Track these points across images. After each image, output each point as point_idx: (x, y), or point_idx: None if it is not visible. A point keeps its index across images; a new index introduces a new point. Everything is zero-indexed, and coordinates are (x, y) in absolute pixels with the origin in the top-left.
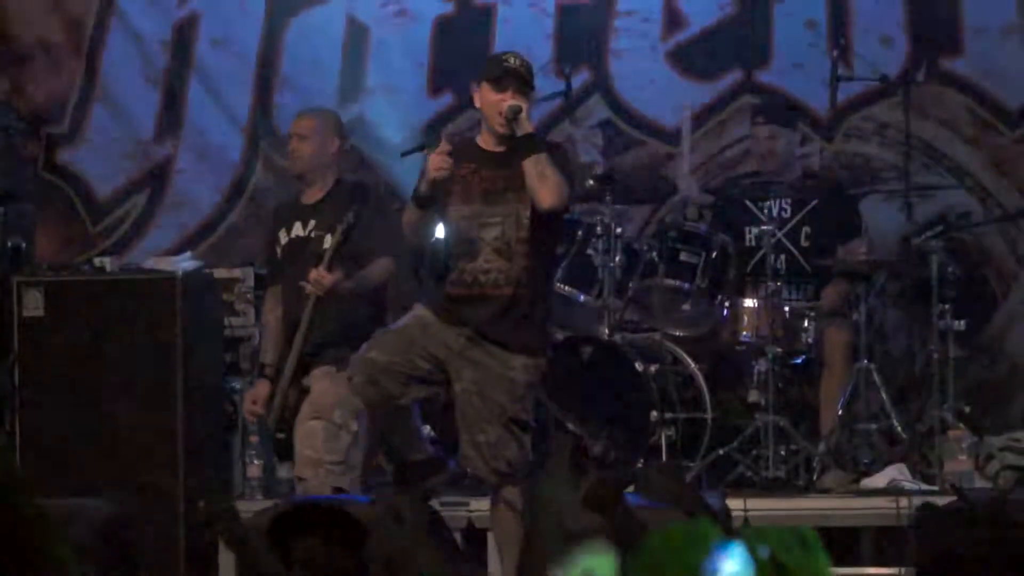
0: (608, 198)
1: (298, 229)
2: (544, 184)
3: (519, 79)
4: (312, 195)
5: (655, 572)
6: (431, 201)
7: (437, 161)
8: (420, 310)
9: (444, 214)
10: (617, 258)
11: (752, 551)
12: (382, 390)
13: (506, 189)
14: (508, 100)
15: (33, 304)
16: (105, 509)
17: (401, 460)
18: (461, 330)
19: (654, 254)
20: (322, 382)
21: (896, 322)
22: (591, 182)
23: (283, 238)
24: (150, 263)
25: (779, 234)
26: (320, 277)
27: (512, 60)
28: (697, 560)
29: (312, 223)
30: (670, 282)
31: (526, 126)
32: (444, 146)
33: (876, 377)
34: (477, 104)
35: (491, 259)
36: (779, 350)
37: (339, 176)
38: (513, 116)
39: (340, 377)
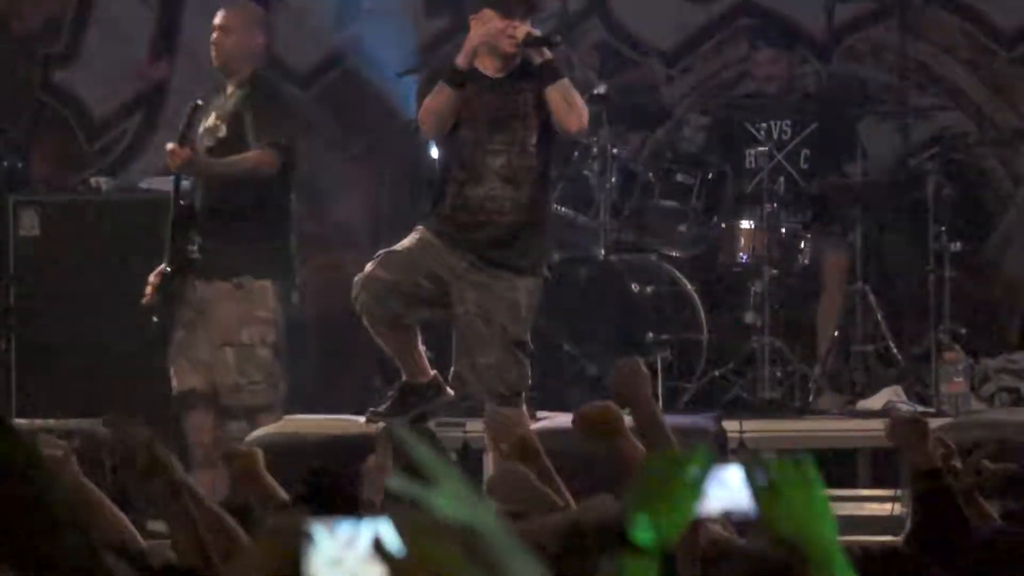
0: (605, 119)
1: (210, 120)
2: (572, 110)
3: (526, 3)
4: (230, 88)
5: (652, 496)
6: (467, 78)
7: (485, 29)
8: (422, 231)
9: (447, 138)
10: (613, 179)
11: (749, 476)
12: (387, 308)
13: (512, 116)
14: (518, 26)
15: (29, 224)
16: (109, 432)
17: (400, 382)
18: (464, 254)
19: (650, 175)
20: (223, 303)
21: (892, 244)
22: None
23: (201, 130)
24: (145, 183)
25: (779, 156)
26: (176, 151)
27: None
28: (695, 483)
29: (219, 113)
30: (666, 203)
31: (545, 52)
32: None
33: (872, 299)
34: (480, 31)
35: (497, 186)
36: (775, 271)
37: (256, 71)
38: (533, 42)
39: (239, 295)
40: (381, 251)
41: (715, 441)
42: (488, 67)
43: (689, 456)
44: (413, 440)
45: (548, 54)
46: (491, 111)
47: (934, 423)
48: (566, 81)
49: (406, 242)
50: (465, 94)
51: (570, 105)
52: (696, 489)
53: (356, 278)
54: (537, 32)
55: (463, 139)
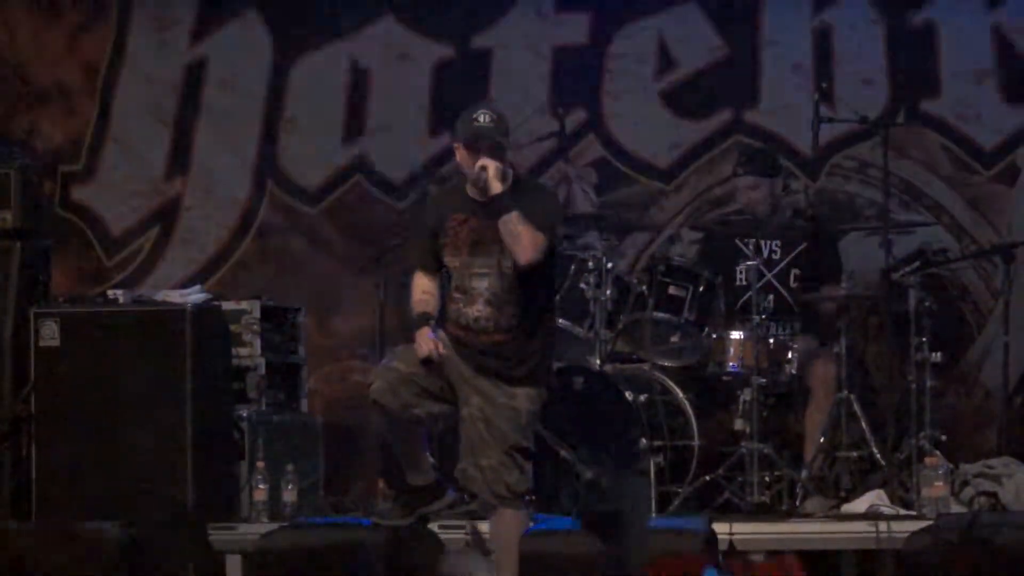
0: (600, 234)
1: None
2: (517, 243)
3: (489, 138)
4: None
5: None
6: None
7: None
8: (441, 334)
9: (444, 263)
10: (608, 291)
11: None
12: (399, 398)
13: (492, 240)
14: (483, 162)
15: (49, 334)
16: (116, 532)
17: (403, 485)
18: (469, 362)
19: (644, 288)
20: None
21: (876, 354)
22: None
23: None
24: (161, 296)
25: (769, 275)
26: None
27: (482, 118)
28: None
29: None
30: (659, 315)
31: (495, 186)
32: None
33: (856, 407)
34: (458, 159)
35: (481, 308)
36: (763, 380)
37: None
38: (479, 179)
39: None
40: (401, 346)
41: (706, 543)
42: (474, 192)
43: None
44: None
45: (498, 189)
46: (474, 235)
47: (915, 525)
48: (513, 215)
49: None
50: (453, 224)
51: (515, 238)
52: None
53: (375, 368)
54: (483, 168)
55: (452, 263)
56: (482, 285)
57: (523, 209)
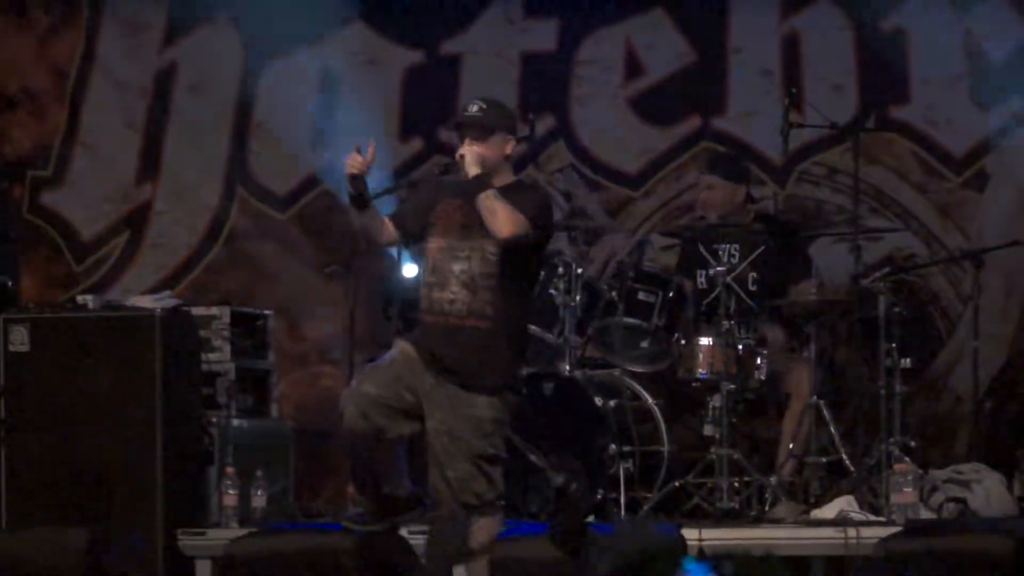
0: (569, 239)
1: None
2: (494, 217)
3: (471, 127)
4: None
5: None
6: (363, 202)
7: (352, 161)
8: (404, 344)
9: (424, 246)
10: (578, 297)
11: (718, 567)
12: (372, 423)
13: (475, 224)
14: (464, 149)
15: (19, 340)
16: (86, 537)
17: (376, 495)
18: (429, 371)
19: (614, 293)
20: None
21: (845, 360)
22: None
23: None
24: (131, 301)
25: (728, 278)
26: None
27: (469, 108)
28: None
29: None
30: (629, 320)
31: (472, 170)
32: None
33: (826, 412)
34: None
35: (457, 291)
36: (733, 386)
37: None
38: (458, 163)
39: None
40: (366, 366)
41: (678, 545)
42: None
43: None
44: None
45: (476, 171)
46: (465, 218)
47: (885, 531)
48: (490, 192)
49: (390, 355)
50: (448, 208)
51: (491, 213)
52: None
53: (343, 393)
54: (458, 156)
55: (436, 245)
56: (459, 267)
57: (507, 197)
